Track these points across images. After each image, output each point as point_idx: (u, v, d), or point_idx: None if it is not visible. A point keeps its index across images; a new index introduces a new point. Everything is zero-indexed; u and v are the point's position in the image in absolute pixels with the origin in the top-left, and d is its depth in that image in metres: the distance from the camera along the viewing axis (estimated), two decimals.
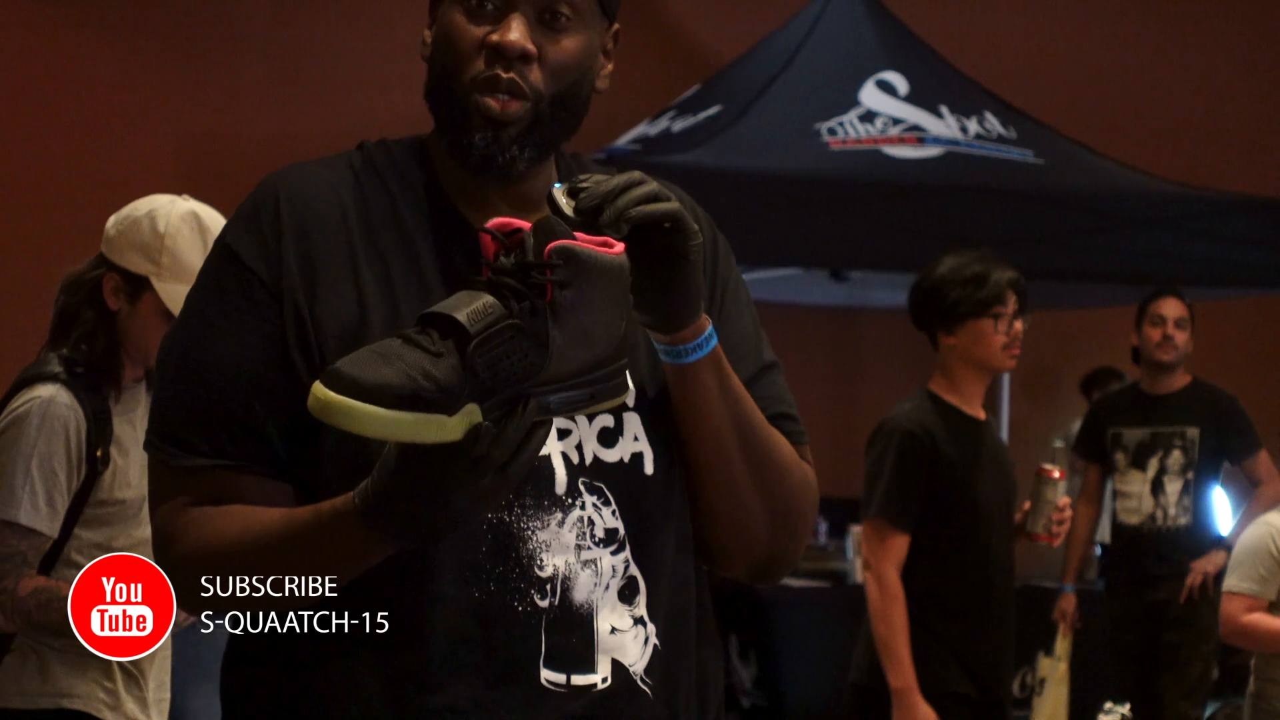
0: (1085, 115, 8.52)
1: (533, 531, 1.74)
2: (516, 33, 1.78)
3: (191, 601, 1.81)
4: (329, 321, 1.75)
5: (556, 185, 1.68)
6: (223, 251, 1.81)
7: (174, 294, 3.17)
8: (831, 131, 6.54)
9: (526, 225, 1.60)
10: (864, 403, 8.89)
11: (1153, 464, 5.98)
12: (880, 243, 6.34)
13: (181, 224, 3.24)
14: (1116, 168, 7.10)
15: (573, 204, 1.66)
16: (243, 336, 1.76)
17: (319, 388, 1.50)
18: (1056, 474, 4.33)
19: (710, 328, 1.77)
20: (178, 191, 3.38)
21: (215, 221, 3.25)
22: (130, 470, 3.19)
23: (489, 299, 1.56)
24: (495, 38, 1.78)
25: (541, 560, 1.74)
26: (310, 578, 1.70)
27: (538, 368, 1.58)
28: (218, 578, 1.74)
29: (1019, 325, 4.31)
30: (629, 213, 1.66)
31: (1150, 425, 6.02)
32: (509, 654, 1.72)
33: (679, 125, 7.06)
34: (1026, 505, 4.37)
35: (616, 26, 1.92)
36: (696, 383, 1.78)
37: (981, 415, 4.39)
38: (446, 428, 1.53)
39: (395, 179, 1.86)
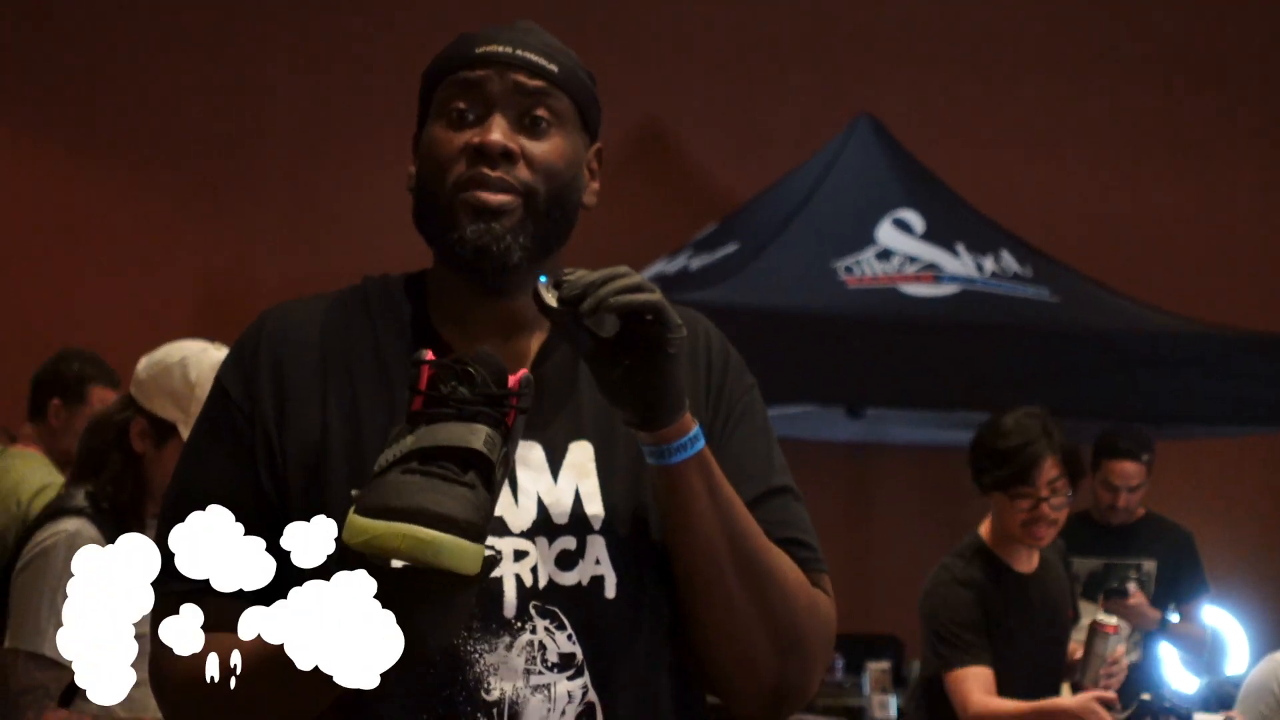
0: (1101, 253, 8.56)
1: (480, 655, 1.73)
2: (498, 132, 1.80)
3: None
4: (294, 445, 1.80)
5: (542, 279, 1.69)
6: (215, 385, 1.89)
7: None
8: (848, 269, 6.58)
9: (430, 354, 1.61)
10: (879, 538, 8.87)
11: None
12: (896, 380, 6.35)
13: (212, 373, 3.28)
14: (1132, 306, 7.12)
15: (555, 294, 1.67)
16: (224, 463, 1.82)
17: (401, 525, 1.49)
18: (1110, 629, 4.27)
19: (697, 428, 1.75)
20: (197, 331, 3.42)
21: None
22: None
23: (488, 430, 1.57)
24: (477, 139, 1.80)
25: (489, 684, 1.72)
26: (283, 706, 1.70)
27: (499, 493, 1.60)
28: (202, 707, 1.78)
29: (1047, 507, 4.20)
30: (610, 301, 1.66)
31: (1104, 555, 5.92)
32: None
33: (696, 263, 7.10)
34: (1077, 654, 4.32)
35: (599, 145, 1.93)
36: (684, 486, 1.75)
37: (1029, 568, 4.32)
38: (480, 559, 1.53)
39: (382, 309, 1.88)
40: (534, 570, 1.77)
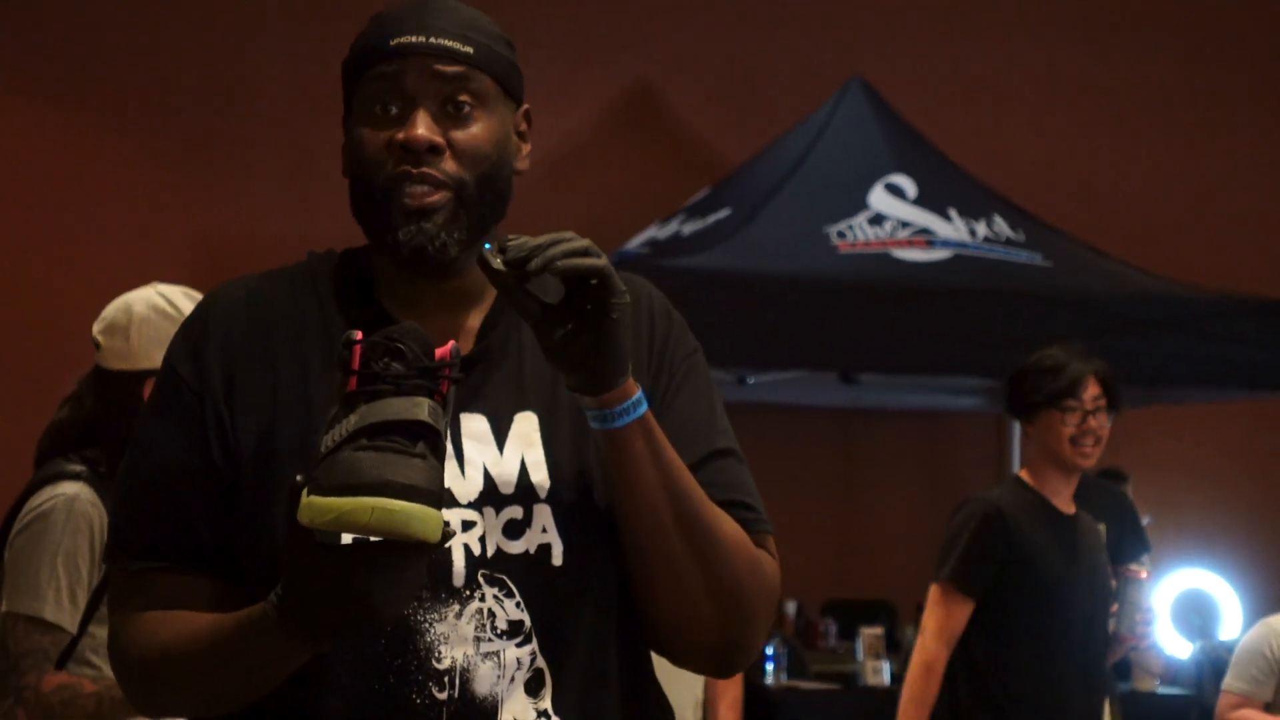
0: (1093, 217, 8.57)
1: (430, 624, 1.75)
2: (421, 127, 1.81)
3: (145, 707, 1.89)
4: (244, 422, 1.81)
5: (487, 245, 1.70)
6: (165, 362, 1.90)
7: None
8: (841, 234, 6.58)
9: (359, 335, 1.63)
10: (871, 505, 8.89)
11: None
12: (889, 345, 6.36)
13: (180, 298, 3.32)
14: (1124, 270, 7.13)
15: (501, 259, 1.68)
16: (172, 441, 1.83)
17: (368, 499, 1.53)
18: (1142, 574, 4.35)
19: (639, 393, 1.76)
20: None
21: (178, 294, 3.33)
22: None
23: (429, 402, 1.60)
24: (401, 135, 1.81)
25: (440, 652, 1.75)
26: (240, 682, 1.74)
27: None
28: (162, 686, 1.82)
29: (1094, 421, 4.34)
30: (556, 264, 1.67)
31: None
32: None
33: (689, 228, 7.10)
34: (1115, 607, 4.39)
35: (525, 107, 1.94)
36: (627, 449, 1.77)
37: (1070, 510, 4.39)
38: (442, 526, 1.57)
39: (328, 284, 1.90)
40: (481, 539, 1.79)
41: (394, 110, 1.83)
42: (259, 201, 8.15)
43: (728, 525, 1.84)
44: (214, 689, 1.77)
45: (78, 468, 3.18)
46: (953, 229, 6.75)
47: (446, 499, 1.68)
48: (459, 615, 1.76)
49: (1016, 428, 7.61)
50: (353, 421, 1.58)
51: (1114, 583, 4.45)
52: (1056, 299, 6.62)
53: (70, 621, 3.10)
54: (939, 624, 4.30)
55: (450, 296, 1.88)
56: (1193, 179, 9.36)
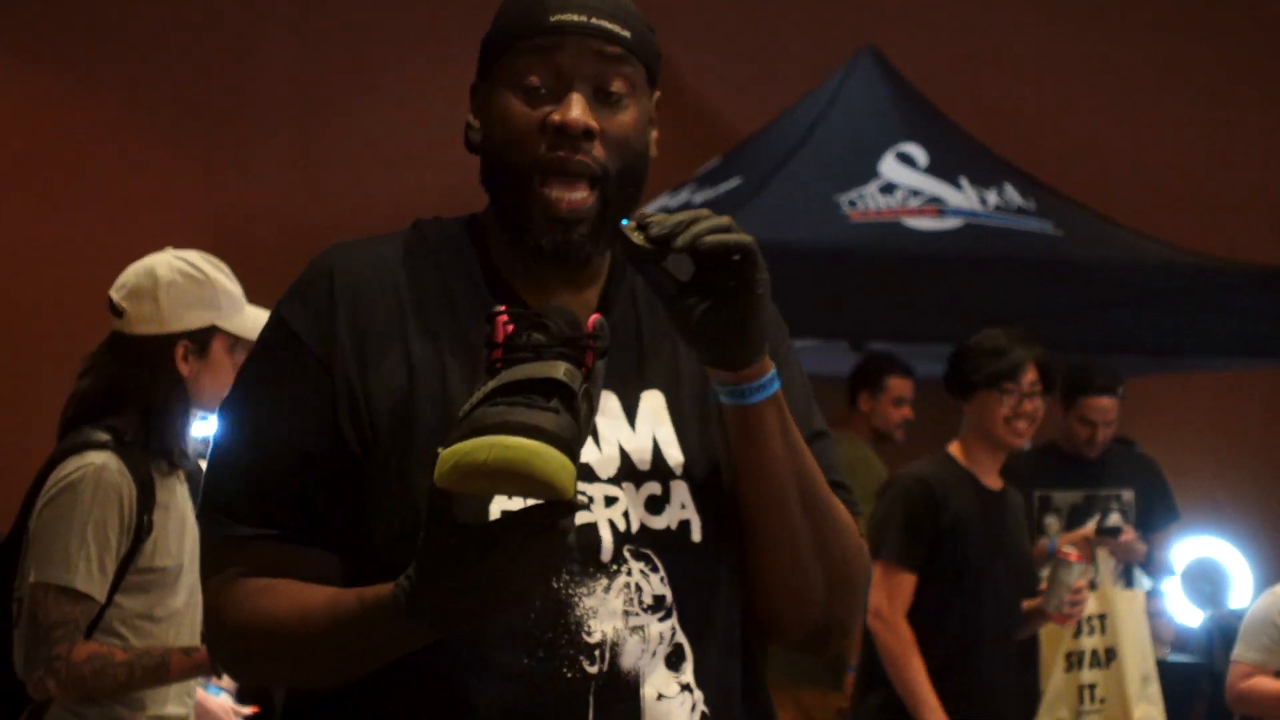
0: (1105, 186, 8.55)
1: (580, 598, 1.74)
2: (578, 110, 1.78)
3: (240, 674, 1.89)
4: (379, 393, 1.77)
5: (625, 221, 1.69)
6: (277, 324, 1.83)
7: (246, 324, 3.25)
8: (852, 204, 6.57)
9: (503, 308, 1.62)
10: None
11: (1092, 527, 5.75)
12: (900, 314, 6.36)
13: (201, 262, 3.32)
14: (1136, 239, 7.11)
15: (642, 235, 1.67)
16: (293, 407, 1.78)
17: (496, 437, 1.48)
18: (1073, 556, 4.41)
19: (774, 370, 1.77)
20: None
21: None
22: (169, 539, 3.22)
23: (567, 365, 1.58)
24: (557, 117, 1.78)
25: (590, 626, 1.74)
26: (356, 661, 1.71)
27: (588, 433, 1.60)
28: (265, 655, 1.77)
29: (1029, 405, 4.42)
30: (703, 240, 1.67)
31: (1083, 488, 5.92)
32: None
33: (700, 197, 7.09)
34: (1044, 585, 4.44)
35: (659, 93, 1.92)
36: (759, 426, 1.77)
37: (996, 486, 4.46)
38: (571, 475, 1.53)
39: (447, 256, 1.86)
40: (625, 515, 1.78)
41: (544, 90, 1.79)
42: (268, 173, 8.15)
43: (840, 506, 1.86)
44: (325, 664, 1.73)
45: (103, 437, 3.19)
46: (964, 198, 6.74)
47: (587, 474, 1.70)
48: (607, 590, 1.75)
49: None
50: (489, 386, 1.57)
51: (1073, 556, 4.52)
52: (1067, 268, 6.61)
53: (100, 591, 3.11)
54: (889, 597, 4.37)
55: (570, 271, 1.85)
56: (1205, 148, 9.34)
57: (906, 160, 6.81)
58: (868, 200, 6.60)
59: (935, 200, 6.69)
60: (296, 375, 1.79)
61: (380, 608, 1.64)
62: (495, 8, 1.88)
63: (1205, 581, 8.30)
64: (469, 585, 1.57)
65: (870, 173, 6.71)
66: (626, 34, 1.82)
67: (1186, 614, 8.02)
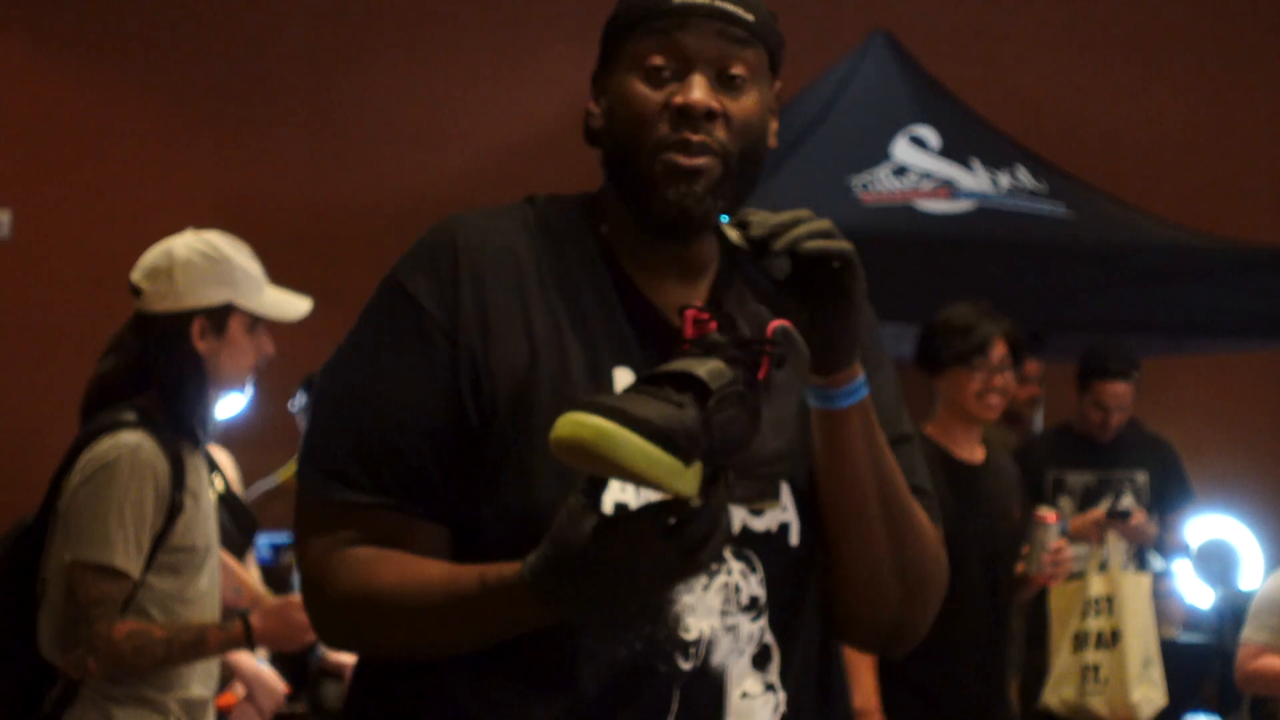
0: (1117, 168, 8.55)
1: (679, 594, 1.75)
2: (701, 91, 1.78)
3: (340, 642, 1.85)
4: (501, 368, 1.75)
5: (724, 218, 1.70)
6: (395, 290, 1.80)
7: (265, 303, 3.27)
8: (864, 186, 6.59)
9: (712, 318, 1.61)
10: None
11: (1103, 510, 5.80)
12: (912, 296, 6.37)
13: (220, 241, 3.35)
14: (1148, 221, 7.13)
15: (741, 234, 1.68)
16: (414, 376, 1.76)
17: (578, 414, 1.48)
18: (1049, 518, 4.47)
19: (863, 376, 1.77)
20: None
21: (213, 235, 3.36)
22: (198, 518, 3.25)
23: (720, 363, 1.57)
24: (680, 99, 1.78)
25: (687, 623, 1.75)
26: (468, 638, 1.71)
27: (749, 441, 1.58)
28: (373, 624, 1.75)
29: (999, 379, 4.47)
30: (803, 245, 1.67)
31: (1096, 469, 5.94)
32: (642, 714, 1.73)
33: None
34: (1025, 549, 4.50)
35: (779, 83, 1.92)
36: (845, 430, 1.77)
37: (976, 458, 4.51)
38: (684, 478, 1.51)
39: (567, 236, 1.85)
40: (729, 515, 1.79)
41: (667, 72, 1.79)
42: (284, 154, 8.17)
43: (920, 511, 1.87)
44: (435, 638, 1.72)
45: (133, 416, 3.21)
46: (976, 180, 6.76)
47: None
48: (706, 588, 1.76)
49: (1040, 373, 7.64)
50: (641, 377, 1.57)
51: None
52: (1079, 250, 6.63)
53: (137, 569, 3.13)
54: None
55: (683, 264, 1.86)
56: (1217, 130, 9.34)
57: (918, 143, 6.82)
58: (880, 183, 6.62)
59: (947, 183, 6.71)
60: (420, 343, 1.76)
61: (504, 588, 1.64)
62: None
63: (1215, 561, 8.33)
64: (595, 574, 1.56)
65: (882, 155, 6.72)
66: (750, 17, 1.83)
67: (1197, 594, 8.05)
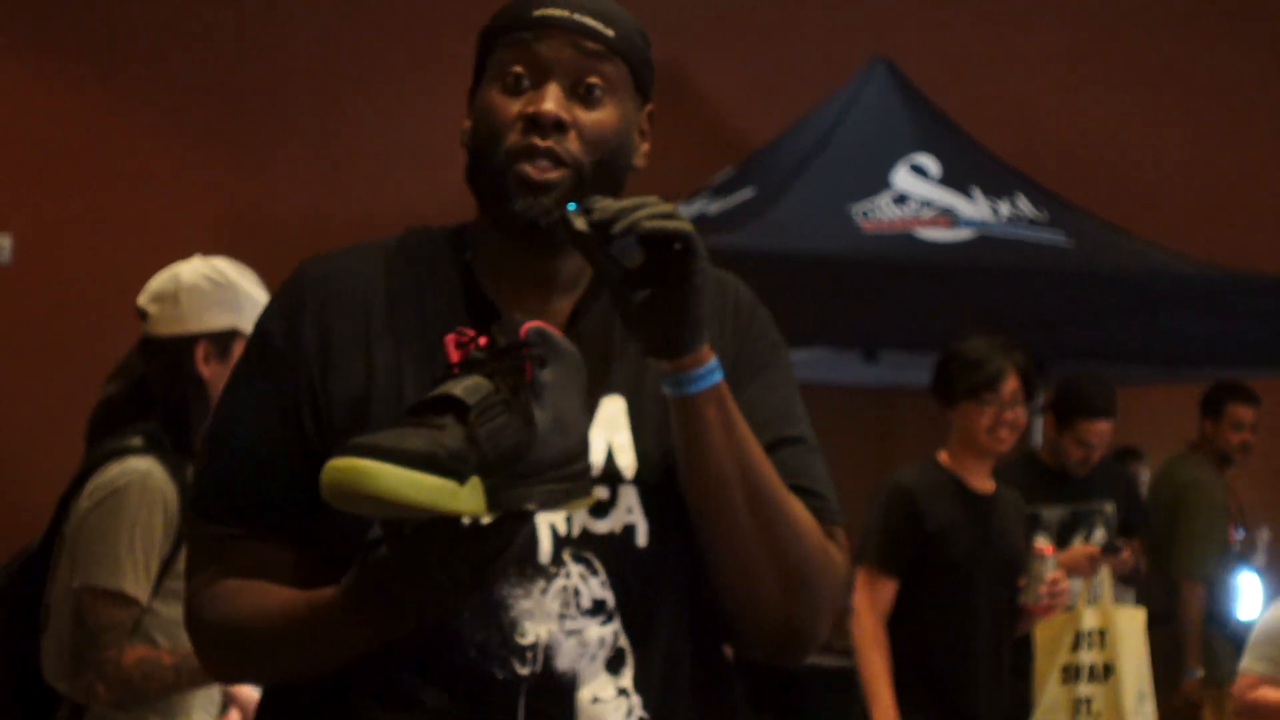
0: (1118, 195, 8.57)
1: (515, 600, 1.77)
2: (551, 101, 1.81)
3: (217, 673, 2.01)
4: (339, 392, 1.82)
5: (571, 205, 1.72)
6: (255, 332, 1.91)
7: None
8: (865, 214, 6.60)
9: (476, 336, 1.65)
10: None
11: (1077, 545, 5.75)
12: (912, 323, 6.39)
13: (227, 268, 3.36)
14: (1148, 248, 7.14)
15: (585, 219, 1.70)
16: (261, 407, 1.85)
17: (336, 460, 1.54)
18: (1047, 550, 4.50)
19: (714, 360, 1.77)
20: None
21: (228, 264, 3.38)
22: None
23: (478, 378, 1.61)
24: (531, 108, 1.81)
25: (524, 628, 1.76)
26: (318, 660, 1.77)
27: (528, 445, 1.60)
28: (233, 655, 1.85)
29: (1010, 414, 4.51)
30: (641, 225, 1.69)
31: (1068, 503, 5.93)
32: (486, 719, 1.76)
33: (713, 208, 7.13)
34: (1022, 581, 4.53)
35: (651, 106, 1.95)
36: (698, 417, 1.76)
37: (987, 489, 4.53)
38: (460, 497, 1.55)
39: (426, 261, 1.90)
40: (568, 519, 1.80)
41: (526, 82, 1.84)
42: (285, 175, 8.18)
43: (797, 507, 1.84)
44: (285, 664, 1.80)
45: (140, 442, 3.22)
46: (976, 209, 6.77)
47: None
48: (544, 592, 1.78)
49: (1036, 404, 7.65)
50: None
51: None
52: (1080, 278, 6.65)
53: (146, 595, 3.13)
54: (869, 602, 4.47)
55: (549, 279, 1.88)
56: (1218, 158, 9.36)
57: (919, 171, 6.84)
58: (880, 211, 6.63)
59: (947, 211, 6.73)
60: (265, 374, 1.86)
61: (328, 610, 1.71)
62: None
63: None
64: (394, 593, 1.64)
65: (883, 183, 6.74)
66: (609, 32, 1.86)
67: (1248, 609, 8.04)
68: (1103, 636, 5.17)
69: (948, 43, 9.01)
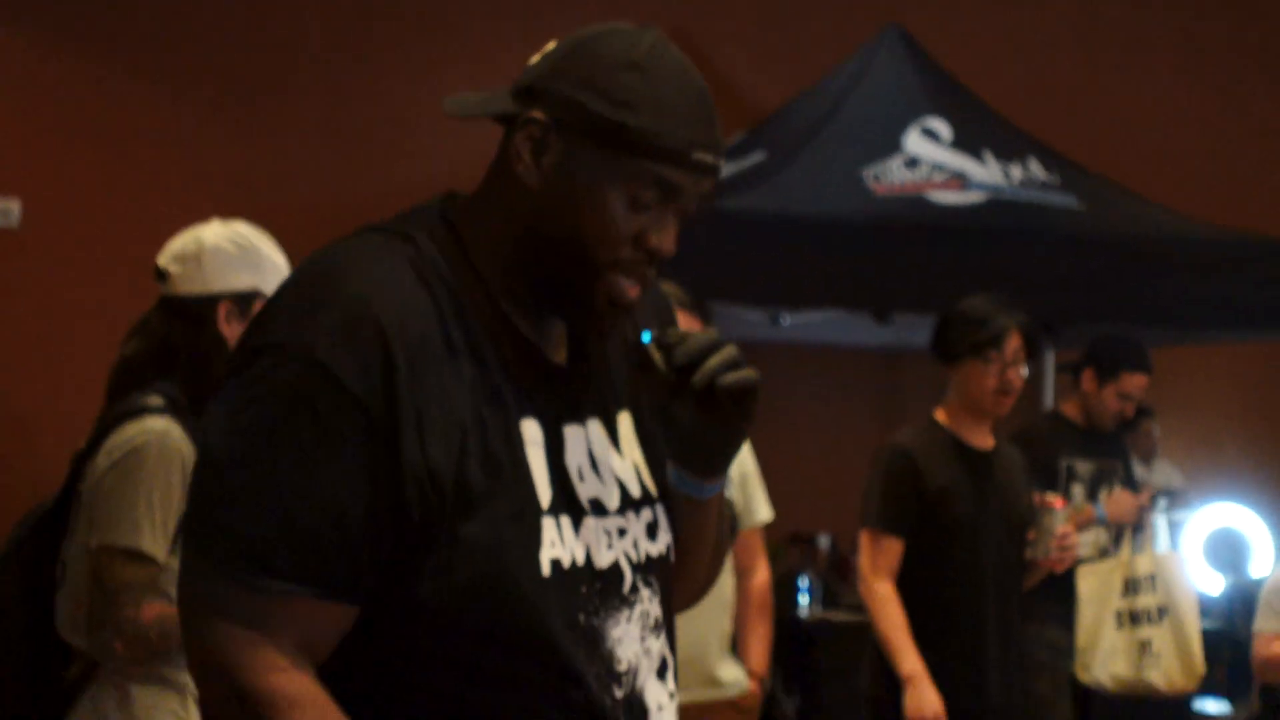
0: (1129, 159, 8.58)
1: (608, 629, 1.82)
2: (672, 242, 1.82)
3: None
4: (438, 460, 1.70)
5: (645, 336, 1.82)
6: (312, 368, 1.69)
7: None
8: (876, 177, 6.62)
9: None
10: None
11: (1103, 498, 5.84)
12: (923, 286, 6.41)
13: (247, 230, 3.39)
14: (1159, 212, 7.15)
15: (663, 357, 1.81)
16: (350, 471, 1.68)
17: None
18: (1056, 503, 4.50)
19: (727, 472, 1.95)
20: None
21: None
22: None
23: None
24: (656, 243, 1.79)
25: (618, 656, 1.83)
26: None
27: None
28: None
29: (1013, 373, 4.49)
30: (721, 381, 1.79)
31: (1097, 458, 5.98)
32: None
33: (726, 172, 7.14)
34: (1031, 535, 4.54)
35: None
36: (705, 511, 1.96)
37: (986, 445, 4.54)
38: None
39: (457, 286, 1.80)
40: (635, 545, 1.89)
41: (653, 203, 1.79)
42: (298, 141, 8.18)
43: (723, 518, 2.09)
44: None
45: (159, 401, 3.23)
46: (987, 172, 6.79)
47: (599, 509, 1.83)
48: (629, 620, 1.85)
49: (1050, 362, 7.67)
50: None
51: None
52: (1090, 241, 6.66)
53: (164, 554, 3.14)
54: (874, 563, 4.49)
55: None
56: (1229, 122, 9.36)
57: (930, 135, 6.86)
58: (892, 174, 6.65)
59: (959, 174, 6.75)
60: (345, 429, 1.69)
61: None
62: None
63: (1226, 549, 8.36)
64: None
65: (894, 147, 6.76)
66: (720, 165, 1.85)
67: (1208, 581, 8.09)
68: (1153, 581, 5.29)
69: (959, 8, 9.02)
